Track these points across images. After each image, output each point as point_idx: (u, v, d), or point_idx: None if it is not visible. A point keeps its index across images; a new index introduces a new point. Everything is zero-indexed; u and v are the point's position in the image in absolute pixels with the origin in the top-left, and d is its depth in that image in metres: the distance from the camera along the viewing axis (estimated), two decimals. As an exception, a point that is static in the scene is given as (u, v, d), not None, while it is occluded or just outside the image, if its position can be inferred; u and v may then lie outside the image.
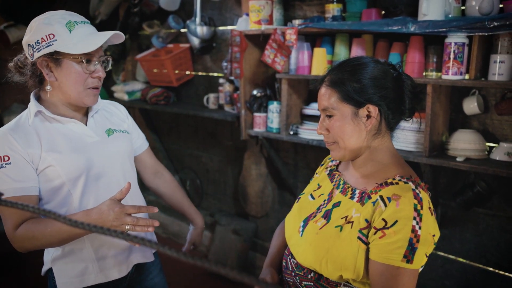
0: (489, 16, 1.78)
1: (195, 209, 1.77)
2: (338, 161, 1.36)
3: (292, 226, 1.29)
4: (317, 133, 1.24)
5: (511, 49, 1.82)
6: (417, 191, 1.10)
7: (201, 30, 3.12)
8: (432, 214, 1.10)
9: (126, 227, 1.25)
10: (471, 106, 2.00)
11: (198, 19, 3.12)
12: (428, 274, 2.36)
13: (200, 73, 3.50)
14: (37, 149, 1.33)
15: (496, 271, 2.12)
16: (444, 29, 1.83)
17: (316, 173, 1.43)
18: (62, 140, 1.37)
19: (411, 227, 1.06)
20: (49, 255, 1.44)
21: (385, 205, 1.09)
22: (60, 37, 1.30)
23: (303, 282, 1.21)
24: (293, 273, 1.24)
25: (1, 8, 3.77)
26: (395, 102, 1.17)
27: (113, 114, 1.58)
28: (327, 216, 1.20)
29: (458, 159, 1.92)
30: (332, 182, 1.29)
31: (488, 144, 2.02)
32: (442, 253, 2.30)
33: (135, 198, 1.53)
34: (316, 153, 2.79)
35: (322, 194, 1.29)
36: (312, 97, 2.60)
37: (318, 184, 1.34)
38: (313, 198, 1.30)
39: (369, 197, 1.14)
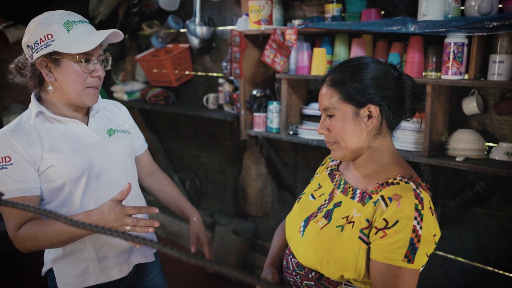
0: (488, 16, 1.79)
1: (189, 203, 1.70)
2: (338, 161, 1.36)
3: (293, 226, 1.29)
4: (318, 133, 1.24)
5: (511, 49, 1.83)
6: (418, 191, 1.10)
7: (201, 30, 3.12)
8: (433, 214, 1.10)
9: (127, 227, 1.24)
10: (470, 106, 2.00)
11: (197, 19, 3.11)
12: (428, 274, 2.36)
13: (199, 73, 3.50)
14: (38, 150, 1.33)
15: (496, 270, 2.13)
16: (444, 29, 1.83)
17: (317, 173, 1.43)
18: (63, 140, 1.37)
19: (412, 227, 1.06)
20: (50, 255, 1.44)
21: (386, 205, 1.09)
22: (58, 37, 1.30)
23: (304, 282, 1.21)
24: (294, 273, 1.24)
25: (0, 8, 3.77)
26: (396, 102, 1.18)
27: (114, 114, 1.58)
28: (328, 216, 1.20)
29: (457, 159, 1.93)
30: (332, 182, 1.29)
31: (487, 144, 2.02)
32: (441, 253, 2.31)
33: (136, 198, 1.53)
34: (315, 153, 2.79)
35: (323, 194, 1.29)
36: (311, 97, 2.60)
37: (319, 184, 1.34)
38: (314, 198, 1.30)
39: (370, 197, 1.14)
